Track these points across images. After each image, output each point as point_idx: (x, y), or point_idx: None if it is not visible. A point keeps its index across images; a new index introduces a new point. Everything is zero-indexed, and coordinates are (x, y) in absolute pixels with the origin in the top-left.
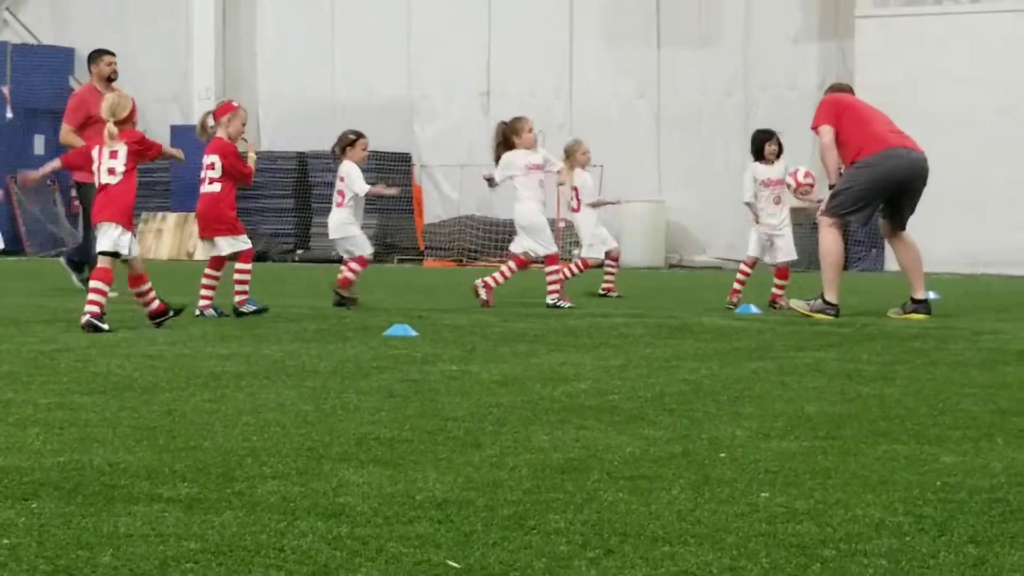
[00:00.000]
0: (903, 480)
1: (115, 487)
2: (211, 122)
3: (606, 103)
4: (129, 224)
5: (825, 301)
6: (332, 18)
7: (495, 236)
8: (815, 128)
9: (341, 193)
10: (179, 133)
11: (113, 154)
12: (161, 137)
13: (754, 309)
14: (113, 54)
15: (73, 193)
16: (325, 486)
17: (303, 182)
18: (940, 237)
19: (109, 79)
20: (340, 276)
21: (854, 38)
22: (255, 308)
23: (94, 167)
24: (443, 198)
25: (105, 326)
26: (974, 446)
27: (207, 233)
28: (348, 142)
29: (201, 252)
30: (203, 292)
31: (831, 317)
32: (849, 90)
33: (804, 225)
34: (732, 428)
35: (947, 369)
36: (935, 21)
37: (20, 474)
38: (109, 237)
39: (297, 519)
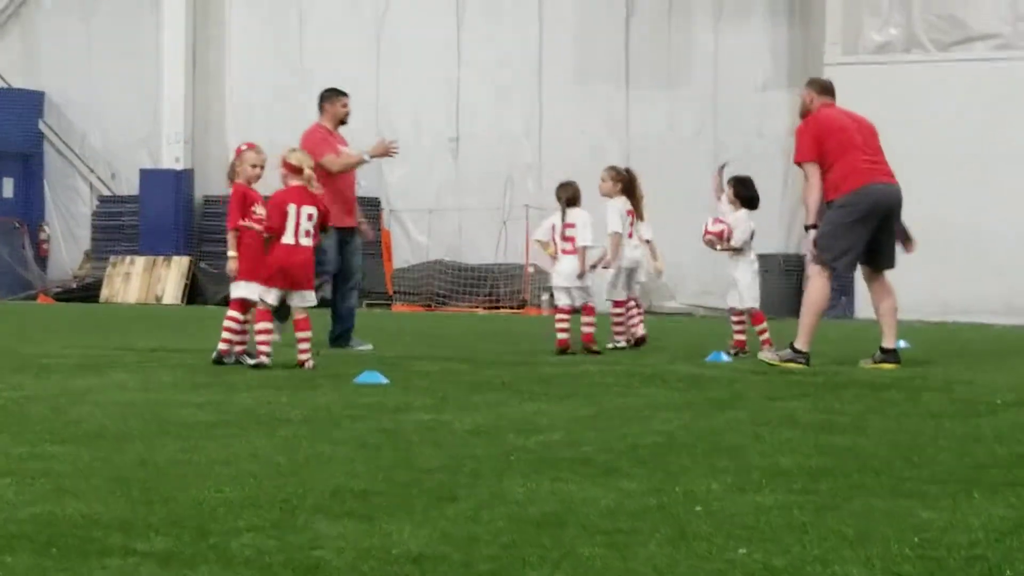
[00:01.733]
0: (881, 535)
1: (90, 540)
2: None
3: (575, 145)
4: None
5: (794, 349)
6: (301, 61)
7: (464, 281)
8: (799, 163)
9: (571, 240)
10: (148, 176)
11: (310, 216)
12: (129, 181)
13: (724, 357)
14: (347, 95)
15: (43, 236)
16: (300, 539)
17: None
18: (910, 284)
19: (342, 121)
20: (584, 332)
21: None
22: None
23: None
24: (412, 243)
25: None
26: (951, 501)
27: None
28: (578, 192)
29: (172, 297)
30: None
31: (801, 366)
32: (830, 89)
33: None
34: (708, 481)
35: (921, 420)
36: (903, 70)
37: None
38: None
39: (273, 574)
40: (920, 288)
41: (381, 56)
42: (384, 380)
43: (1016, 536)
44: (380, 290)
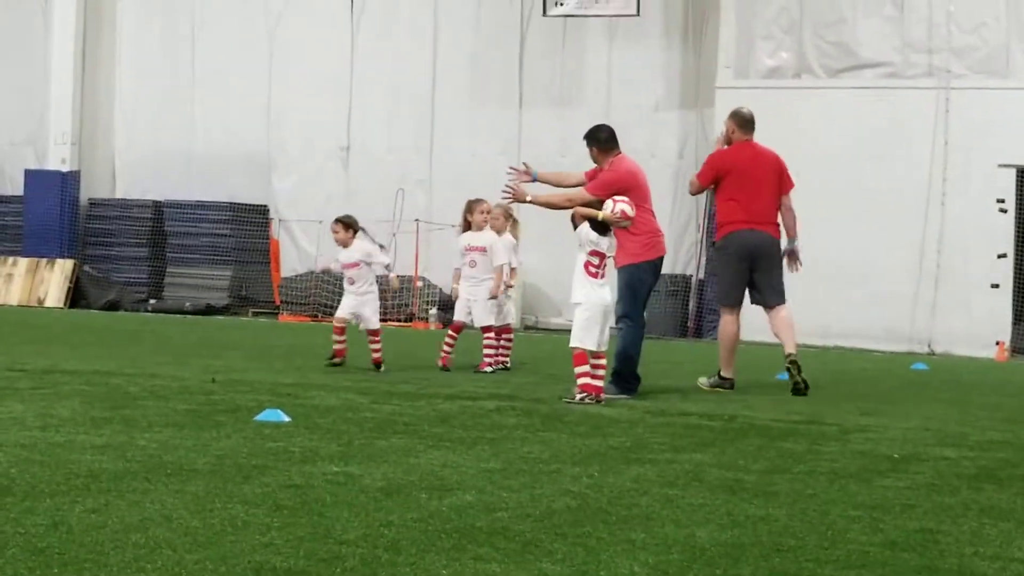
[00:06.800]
0: None
1: None
2: None
3: (467, 161)
4: None
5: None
6: (192, 67)
7: None
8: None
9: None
10: (33, 177)
11: None
12: (14, 180)
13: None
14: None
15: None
16: None
17: (159, 231)
18: (793, 309)
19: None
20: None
21: (714, 108)
22: None
23: None
24: (300, 252)
25: None
26: None
27: None
28: None
29: (55, 300)
30: None
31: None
32: (750, 122)
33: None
34: (629, 562)
35: (825, 482)
36: (792, 95)
37: None
38: None
39: None
40: (803, 312)
41: (273, 64)
42: (285, 418)
43: None
44: (267, 299)
